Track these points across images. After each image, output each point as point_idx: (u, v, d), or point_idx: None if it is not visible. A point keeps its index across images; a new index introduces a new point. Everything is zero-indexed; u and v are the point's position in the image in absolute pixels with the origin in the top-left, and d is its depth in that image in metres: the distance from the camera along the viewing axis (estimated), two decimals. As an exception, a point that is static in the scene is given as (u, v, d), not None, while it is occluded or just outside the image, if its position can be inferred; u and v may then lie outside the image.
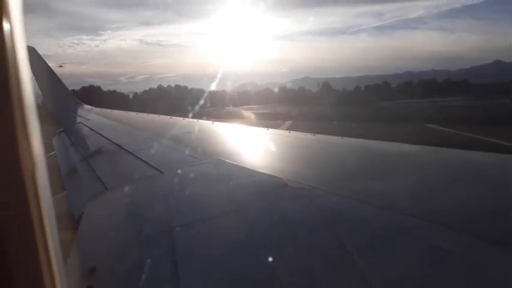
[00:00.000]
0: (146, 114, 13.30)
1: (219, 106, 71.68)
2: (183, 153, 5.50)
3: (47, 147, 10.89)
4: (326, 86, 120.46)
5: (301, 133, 7.65)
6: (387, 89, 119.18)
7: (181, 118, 11.01)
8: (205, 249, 2.50)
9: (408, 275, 1.94)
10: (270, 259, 2.21)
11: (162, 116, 11.97)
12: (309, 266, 2.12)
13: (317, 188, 3.36)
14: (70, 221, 4.12)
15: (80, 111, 15.87)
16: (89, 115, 14.27)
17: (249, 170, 4.23)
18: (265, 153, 6.16)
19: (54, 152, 9.32)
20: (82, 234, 3.34)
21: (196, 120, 10.60)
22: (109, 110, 15.86)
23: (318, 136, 7.15)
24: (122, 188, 4.40)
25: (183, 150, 5.67)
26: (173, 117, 11.29)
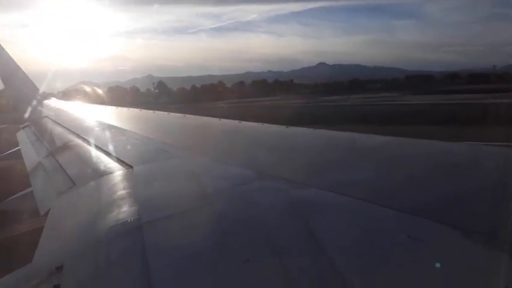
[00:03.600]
0: (116, 107, 13.11)
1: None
2: (156, 147, 5.39)
3: (12, 142, 10.11)
4: (162, 85, 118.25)
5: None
6: (223, 88, 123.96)
7: (151, 111, 10.66)
8: (177, 246, 2.39)
9: (388, 270, 1.92)
10: (245, 257, 2.12)
11: (143, 110, 11.60)
12: (284, 263, 2.05)
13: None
14: (36, 218, 4.04)
15: (46, 105, 14.96)
16: (56, 108, 13.58)
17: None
18: None
19: (18, 147, 8.99)
20: (48, 232, 3.20)
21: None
22: (77, 103, 15.47)
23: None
24: (90, 183, 4.19)
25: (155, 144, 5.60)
26: (155, 112, 10.61)
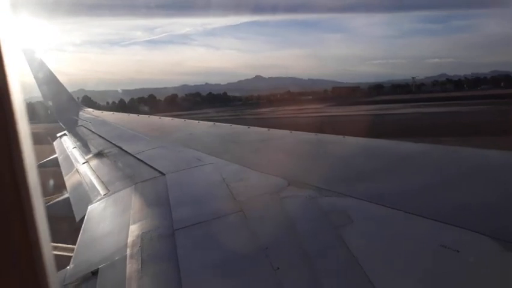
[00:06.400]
0: (151, 116, 13.33)
1: None
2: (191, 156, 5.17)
3: (49, 150, 10.53)
4: (87, 100, 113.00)
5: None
6: (153, 101, 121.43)
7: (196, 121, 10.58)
8: (208, 252, 2.46)
9: (415, 274, 1.95)
10: (276, 262, 2.17)
11: (169, 119, 11.86)
12: (314, 269, 2.08)
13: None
14: (72, 223, 4.09)
15: (81, 114, 15.08)
16: (91, 117, 13.69)
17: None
18: None
19: (56, 155, 9.26)
20: (84, 237, 3.29)
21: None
22: (111, 113, 15.64)
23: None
24: (123, 190, 4.25)
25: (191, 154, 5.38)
26: (187, 120, 10.88)
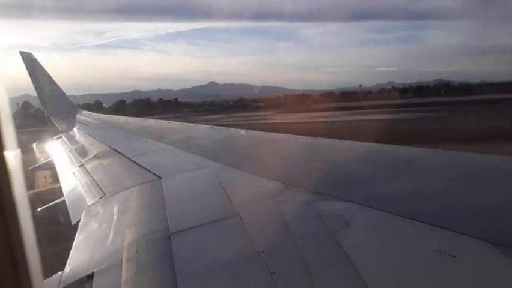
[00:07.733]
0: (147, 119, 13.03)
1: None
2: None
3: (45, 152, 10.84)
4: (27, 106, 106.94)
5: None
6: (100, 107, 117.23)
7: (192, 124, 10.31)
8: (204, 256, 2.46)
9: (411, 279, 1.95)
10: (273, 266, 2.17)
11: (168, 122, 11.27)
12: (310, 273, 2.07)
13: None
14: (68, 226, 4.06)
15: (78, 116, 15.36)
16: (87, 120, 13.94)
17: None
18: None
19: (51, 158, 9.28)
20: (79, 240, 3.29)
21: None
22: (108, 116, 15.49)
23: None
24: (119, 194, 4.23)
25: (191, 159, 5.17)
26: (184, 123, 10.32)
